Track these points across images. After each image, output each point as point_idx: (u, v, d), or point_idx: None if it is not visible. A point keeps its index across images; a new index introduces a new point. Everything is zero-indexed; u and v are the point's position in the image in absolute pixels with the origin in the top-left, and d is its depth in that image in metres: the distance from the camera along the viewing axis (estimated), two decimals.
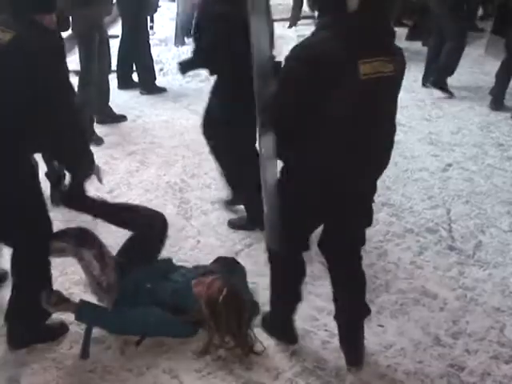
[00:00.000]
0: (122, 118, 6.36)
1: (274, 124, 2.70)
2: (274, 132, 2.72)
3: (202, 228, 4.38)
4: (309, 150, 2.65)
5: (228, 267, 3.51)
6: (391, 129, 2.79)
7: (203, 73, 7.58)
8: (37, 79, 2.75)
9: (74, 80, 7.00)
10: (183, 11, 8.86)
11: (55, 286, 3.29)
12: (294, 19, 10.55)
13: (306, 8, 10.83)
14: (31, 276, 3.13)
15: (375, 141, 2.68)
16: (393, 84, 2.68)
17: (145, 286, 3.32)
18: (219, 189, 4.78)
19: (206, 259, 3.76)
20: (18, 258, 3.11)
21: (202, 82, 7.39)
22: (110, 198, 4.76)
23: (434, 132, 6.16)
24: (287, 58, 2.59)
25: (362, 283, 3.03)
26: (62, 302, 3.22)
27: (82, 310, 3.24)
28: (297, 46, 2.61)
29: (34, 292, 3.13)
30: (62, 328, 3.30)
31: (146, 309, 3.22)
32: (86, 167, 3.17)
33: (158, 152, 5.63)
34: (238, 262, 3.66)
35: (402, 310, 3.55)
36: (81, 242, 3.29)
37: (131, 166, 5.27)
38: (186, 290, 3.28)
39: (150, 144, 5.81)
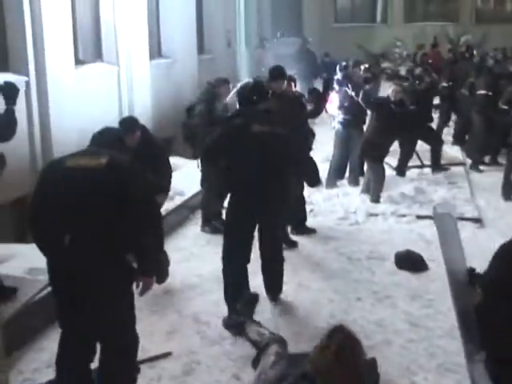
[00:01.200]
0: None
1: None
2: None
3: None
4: None
5: None
6: None
7: (353, 216, 7.63)
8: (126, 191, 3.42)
9: None
10: (339, 154, 9.04)
11: None
12: None
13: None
14: None
15: None
16: None
17: None
18: (367, 337, 4.61)
19: None
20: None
21: (352, 225, 7.42)
22: None
23: None
24: (495, 257, 2.30)
25: None
26: None
27: None
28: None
29: None
30: None
31: None
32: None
33: (305, 295, 5.58)
34: None
35: None
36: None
37: (276, 307, 5.23)
38: None
39: (296, 285, 5.76)
